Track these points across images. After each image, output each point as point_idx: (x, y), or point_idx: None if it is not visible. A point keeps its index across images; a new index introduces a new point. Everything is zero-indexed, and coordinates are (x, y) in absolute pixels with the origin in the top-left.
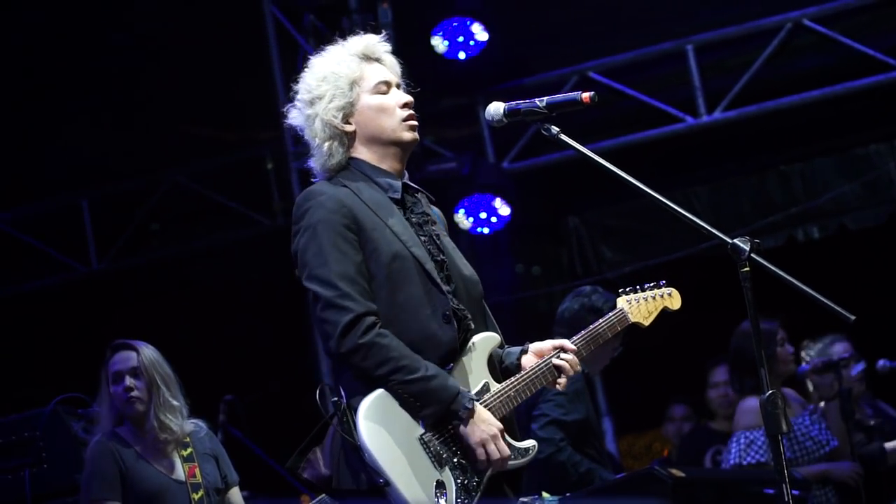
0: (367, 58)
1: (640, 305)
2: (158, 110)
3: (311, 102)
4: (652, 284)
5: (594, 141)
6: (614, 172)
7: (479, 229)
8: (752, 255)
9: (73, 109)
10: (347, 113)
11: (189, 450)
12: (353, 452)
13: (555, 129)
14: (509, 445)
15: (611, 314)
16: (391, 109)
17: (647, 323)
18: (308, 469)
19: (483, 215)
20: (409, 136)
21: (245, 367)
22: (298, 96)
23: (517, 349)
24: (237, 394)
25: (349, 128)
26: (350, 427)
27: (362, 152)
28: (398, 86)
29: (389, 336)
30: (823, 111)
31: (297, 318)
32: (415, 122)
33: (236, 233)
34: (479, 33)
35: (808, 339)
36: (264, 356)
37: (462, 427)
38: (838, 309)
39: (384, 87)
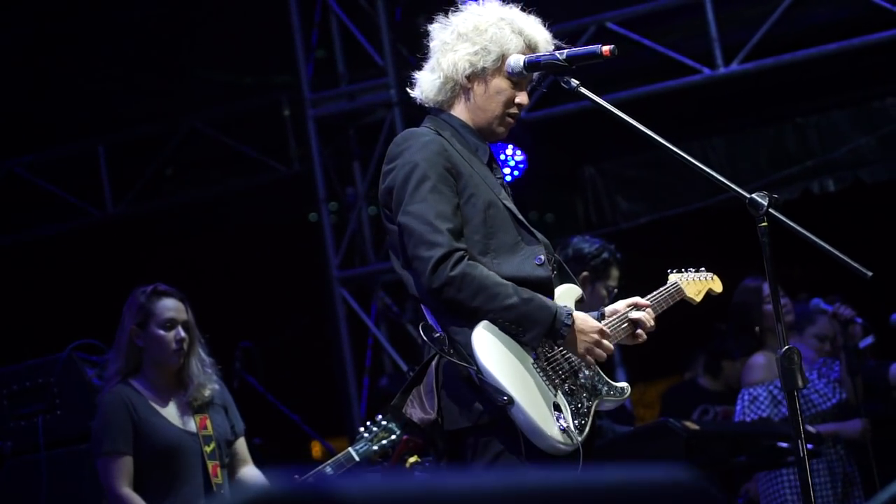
0: (528, 47)
1: (691, 284)
2: (175, 56)
3: (460, 38)
4: (695, 269)
5: (611, 91)
6: (632, 125)
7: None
8: (770, 209)
9: (90, 55)
10: (476, 74)
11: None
12: (465, 384)
13: (574, 81)
14: (607, 384)
15: (668, 285)
16: (506, 101)
17: (698, 299)
18: (411, 409)
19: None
20: (500, 131)
21: (260, 314)
22: (454, 21)
23: (595, 313)
24: (252, 340)
25: (466, 84)
26: (463, 357)
27: (460, 111)
28: (529, 83)
29: (479, 266)
30: (840, 64)
31: (313, 265)
32: (513, 123)
33: (252, 179)
34: None
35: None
36: (279, 303)
37: (566, 343)
38: (856, 265)
39: (518, 79)
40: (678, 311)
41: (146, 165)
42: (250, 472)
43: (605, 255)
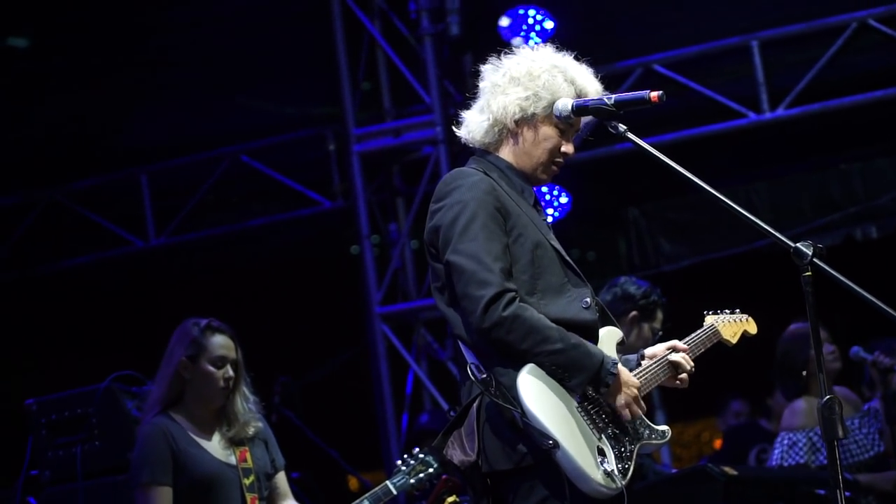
0: (579, 96)
1: (727, 325)
2: (219, 85)
3: (512, 82)
4: (729, 311)
5: (656, 134)
6: (676, 170)
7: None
8: (815, 259)
9: (134, 84)
10: (526, 119)
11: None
12: (507, 426)
13: (622, 126)
14: (648, 427)
15: (706, 328)
16: (553, 150)
17: (734, 341)
18: (451, 451)
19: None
20: (543, 178)
21: (300, 348)
22: (507, 64)
23: (634, 356)
24: (291, 374)
25: (514, 129)
26: (507, 399)
27: (506, 154)
28: (576, 133)
29: (530, 309)
30: (886, 111)
31: (354, 300)
32: (557, 172)
33: (294, 211)
34: (546, 22)
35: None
36: (319, 338)
37: (609, 393)
38: None
39: (566, 127)
40: (717, 352)
41: (189, 195)
42: None
43: (654, 296)
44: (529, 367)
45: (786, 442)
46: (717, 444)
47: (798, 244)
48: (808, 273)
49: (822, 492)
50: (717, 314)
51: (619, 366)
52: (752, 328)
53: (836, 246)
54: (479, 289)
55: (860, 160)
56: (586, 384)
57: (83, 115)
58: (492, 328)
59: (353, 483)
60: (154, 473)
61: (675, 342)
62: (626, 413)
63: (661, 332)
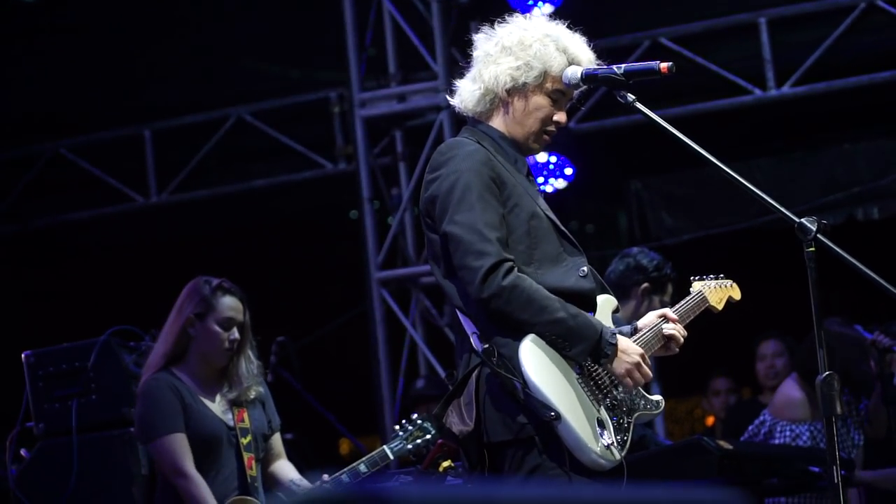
0: (571, 65)
1: (713, 292)
2: (225, 46)
3: (504, 51)
4: (714, 276)
5: (661, 108)
6: (685, 142)
7: (542, 188)
8: (819, 235)
9: (140, 42)
10: (517, 88)
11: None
12: (507, 396)
13: (631, 96)
14: (644, 398)
15: (694, 295)
16: (545, 119)
17: (720, 307)
18: (451, 420)
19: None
20: (535, 147)
21: (298, 310)
22: (499, 33)
23: (628, 327)
24: (289, 335)
25: (506, 98)
26: (509, 370)
27: (498, 123)
28: (569, 101)
29: (528, 279)
30: (892, 93)
31: (353, 264)
32: (549, 141)
33: (297, 173)
34: None
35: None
36: (318, 300)
37: (608, 362)
38: None
39: (558, 97)
40: (716, 329)
41: (192, 154)
42: (283, 467)
43: (666, 270)
44: (530, 337)
45: (788, 433)
46: (710, 420)
47: (803, 219)
48: (811, 249)
49: (816, 469)
50: (703, 280)
51: (619, 335)
52: (737, 294)
53: (838, 225)
54: (477, 259)
55: (864, 140)
56: (586, 354)
57: (89, 71)
58: (490, 298)
59: (345, 446)
60: (171, 422)
61: (665, 310)
62: (629, 381)
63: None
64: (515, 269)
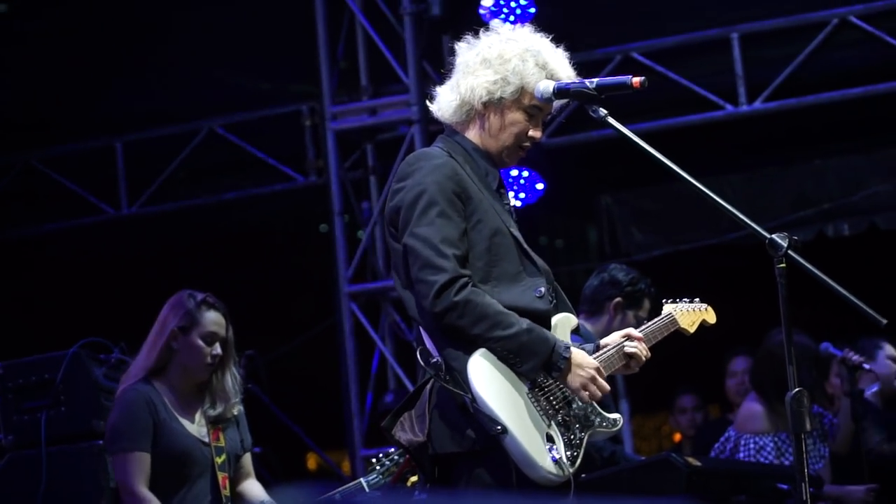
0: (549, 78)
1: (685, 314)
2: (197, 58)
3: (483, 63)
4: (689, 299)
5: (633, 122)
6: (657, 158)
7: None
8: (790, 251)
9: (112, 53)
10: (493, 102)
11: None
12: (458, 409)
13: (602, 111)
14: (599, 415)
15: (663, 316)
16: (520, 134)
17: (692, 330)
18: (401, 432)
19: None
20: (509, 162)
21: (267, 323)
22: (481, 44)
23: (591, 344)
24: (258, 349)
25: (481, 110)
26: (458, 383)
27: (473, 135)
28: (546, 115)
29: (483, 294)
30: (864, 109)
31: (323, 277)
32: (524, 155)
33: (268, 186)
34: (528, 6)
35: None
36: (287, 313)
37: (562, 377)
38: (871, 312)
39: (534, 112)
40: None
41: (163, 166)
42: (252, 486)
43: (642, 285)
44: (480, 351)
45: (752, 445)
46: (677, 437)
47: (773, 235)
48: (782, 265)
49: (784, 486)
50: (676, 303)
51: (574, 349)
52: (711, 318)
53: (808, 242)
54: (433, 274)
55: (835, 157)
56: (538, 369)
57: (61, 81)
58: (444, 313)
59: (313, 461)
60: (135, 439)
61: (630, 330)
62: (584, 395)
63: (644, 321)
64: (471, 285)
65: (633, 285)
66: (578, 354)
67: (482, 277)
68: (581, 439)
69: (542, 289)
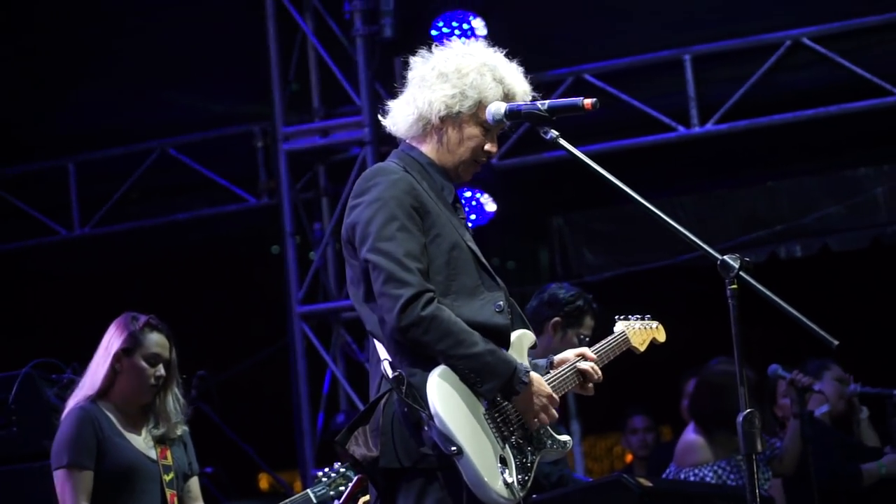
0: (507, 96)
1: (637, 333)
2: (150, 79)
3: (440, 77)
4: (639, 316)
5: (585, 143)
6: (608, 179)
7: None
8: (741, 273)
9: (66, 74)
10: (451, 116)
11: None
12: (412, 425)
13: (554, 132)
14: (551, 437)
15: (616, 335)
16: (477, 149)
17: (642, 349)
18: (355, 446)
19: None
20: (464, 176)
21: (219, 344)
22: (437, 57)
23: (544, 360)
24: (210, 369)
25: (438, 125)
26: (416, 400)
27: (429, 150)
28: (500, 130)
29: (447, 310)
30: (816, 131)
31: (274, 298)
32: (479, 170)
33: (220, 207)
34: (479, 28)
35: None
36: (239, 334)
37: (519, 400)
38: (822, 333)
39: (490, 127)
40: (637, 366)
41: (115, 187)
42: None
43: (580, 302)
44: (440, 369)
45: (691, 478)
46: (629, 458)
47: (725, 257)
48: (733, 286)
49: None
50: (628, 320)
51: (532, 374)
52: (661, 336)
53: (761, 263)
54: (398, 288)
55: (787, 178)
56: (497, 391)
57: (12, 101)
58: (409, 327)
59: (265, 481)
60: (78, 456)
61: (584, 350)
62: (535, 421)
63: (587, 339)
64: (436, 300)
65: (571, 303)
66: (537, 380)
67: (442, 291)
68: (533, 462)
69: (502, 303)
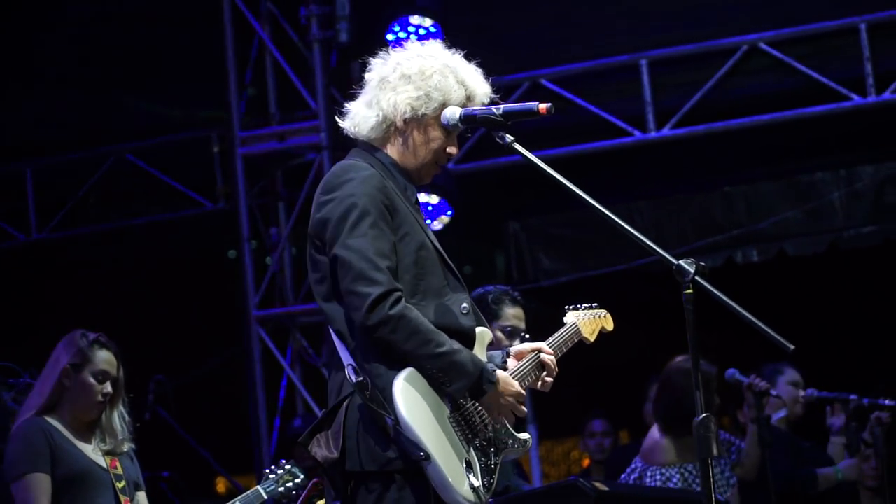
0: (469, 98)
1: (587, 323)
2: (107, 85)
3: (403, 79)
4: (588, 305)
5: (541, 148)
6: (564, 184)
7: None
8: (697, 277)
9: (23, 79)
10: (415, 119)
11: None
12: (377, 428)
13: (509, 137)
14: (512, 436)
15: (568, 326)
16: (437, 151)
17: (592, 339)
18: (316, 448)
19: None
20: (426, 178)
21: (176, 348)
22: (398, 59)
23: (499, 353)
24: (167, 374)
25: (402, 127)
26: (381, 405)
27: (392, 151)
28: (458, 132)
29: (415, 310)
30: (772, 136)
31: (231, 303)
32: (438, 171)
33: (177, 212)
34: (436, 34)
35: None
36: (196, 339)
37: (487, 399)
38: (778, 338)
39: (452, 130)
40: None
41: (72, 192)
42: None
43: (491, 297)
44: (406, 372)
45: (658, 477)
46: (586, 462)
47: (681, 261)
48: (689, 291)
49: None
50: (577, 309)
51: (499, 372)
52: (609, 325)
53: (717, 268)
54: (367, 286)
55: (744, 183)
56: (465, 390)
57: None
58: (377, 326)
59: (222, 485)
60: (34, 463)
61: (541, 344)
62: (503, 420)
63: (525, 334)
64: (404, 299)
65: (483, 300)
66: (503, 378)
67: (410, 291)
68: (496, 464)
69: (467, 304)
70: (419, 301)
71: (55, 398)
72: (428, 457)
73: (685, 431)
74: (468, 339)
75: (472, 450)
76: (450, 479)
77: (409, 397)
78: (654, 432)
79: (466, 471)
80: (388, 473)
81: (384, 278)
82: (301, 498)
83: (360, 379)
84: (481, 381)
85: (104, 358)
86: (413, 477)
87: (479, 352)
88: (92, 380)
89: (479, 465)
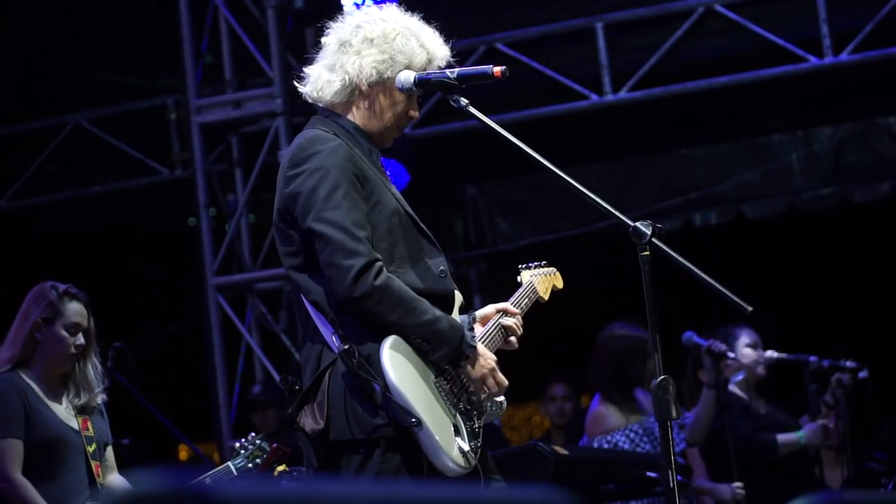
0: (430, 61)
1: (541, 281)
2: (64, 54)
3: (366, 42)
4: (538, 263)
5: (498, 113)
6: (519, 147)
7: None
8: (653, 239)
9: None
10: (378, 82)
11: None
12: (363, 396)
13: (464, 100)
14: (489, 400)
15: (525, 286)
16: (399, 114)
17: (546, 297)
18: (304, 419)
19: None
20: (388, 142)
21: (135, 316)
22: (359, 22)
23: (465, 317)
24: (126, 341)
25: (366, 91)
26: (368, 371)
27: (355, 115)
28: (418, 95)
29: (397, 280)
30: (729, 98)
31: (190, 270)
32: (399, 135)
33: (134, 180)
34: None
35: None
36: (154, 306)
37: (466, 365)
38: (737, 299)
39: (413, 92)
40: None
41: (30, 161)
42: (117, 479)
43: None
44: (391, 340)
45: (605, 445)
46: (547, 426)
47: (637, 223)
48: (646, 253)
49: (652, 474)
50: (529, 268)
51: (477, 342)
52: (559, 282)
53: (676, 231)
54: (348, 258)
55: (702, 146)
56: (448, 358)
57: None
58: (362, 298)
59: (184, 452)
60: (7, 427)
61: (505, 305)
62: (481, 385)
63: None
64: (385, 269)
65: None
66: (481, 346)
67: (386, 259)
68: (480, 428)
69: (443, 267)
70: (397, 268)
71: (27, 352)
72: (419, 422)
73: (625, 397)
74: (448, 302)
75: (457, 414)
76: (441, 444)
77: (396, 363)
78: (594, 403)
79: (455, 435)
80: (375, 440)
81: (364, 249)
82: (263, 463)
83: (347, 346)
84: (462, 347)
85: (75, 310)
86: (404, 444)
87: (456, 315)
88: (64, 332)
89: (465, 428)
